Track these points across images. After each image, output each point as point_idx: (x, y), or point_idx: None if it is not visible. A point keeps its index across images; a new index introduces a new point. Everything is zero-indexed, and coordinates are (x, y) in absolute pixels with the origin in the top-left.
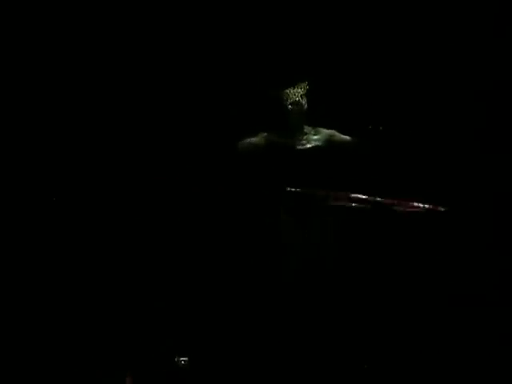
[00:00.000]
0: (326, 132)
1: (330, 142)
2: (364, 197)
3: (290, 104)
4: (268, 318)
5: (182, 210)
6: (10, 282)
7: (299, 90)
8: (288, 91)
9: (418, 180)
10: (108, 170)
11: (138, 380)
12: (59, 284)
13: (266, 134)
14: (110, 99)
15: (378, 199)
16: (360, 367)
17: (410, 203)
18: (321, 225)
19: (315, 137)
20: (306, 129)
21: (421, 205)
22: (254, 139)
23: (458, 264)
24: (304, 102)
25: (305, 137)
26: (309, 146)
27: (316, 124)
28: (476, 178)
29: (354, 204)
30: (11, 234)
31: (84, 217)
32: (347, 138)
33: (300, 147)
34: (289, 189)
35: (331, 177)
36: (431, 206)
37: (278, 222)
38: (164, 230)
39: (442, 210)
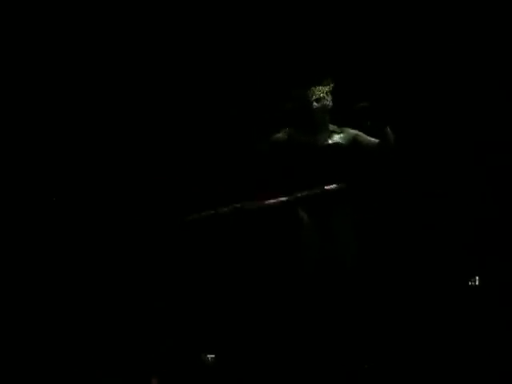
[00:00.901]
0: (351, 132)
1: (353, 142)
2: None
3: (315, 101)
4: (284, 316)
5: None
6: (10, 282)
7: (324, 87)
8: (313, 89)
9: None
10: (108, 170)
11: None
12: (60, 284)
13: (288, 129)
14: (111, 100)
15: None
16: (370, 366)
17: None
18: (340, 223)
19: (339, 135)
20: (331, 127)
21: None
22: (275, 135)
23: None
24: (329, 99)
25: (329, 135)
26: (330, 142)
27: (342, 123)
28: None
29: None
30: (11, 234)
31: (84, 217)
32: (372, 139)
33: (323, 144)
34: (308, 186)
35: (351, 175)
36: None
37: (296, 220)
38: (177, 229)
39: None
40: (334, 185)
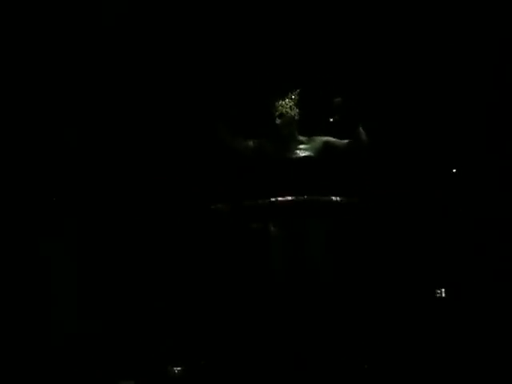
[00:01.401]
0: (319, 139)
1: (324, 149)
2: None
3: (279, 116)
4: (262, 325)
5: (172, 214)
6: (11, 282)
7: (289, 101)
8: (276, 104)
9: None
10: (108, 171)
11: None
12: (60, 284)
13: (255, 140)
14: (109, 100)
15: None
16: (360, 367)
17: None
18: (311, 235)
19: (307, 146)
20: (301, 138)
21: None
22: (243, 142)
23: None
24: (295, 112)
25: (297, 146)
26: (301, 155)
27: (312, 132)
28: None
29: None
30: (11, 234)
31: (84, 217)
32: (343, 141)
33: (291, 156)
34: (277, 199)
35: (323, 185)
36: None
37: (266, 233)
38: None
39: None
40: (305, 196)
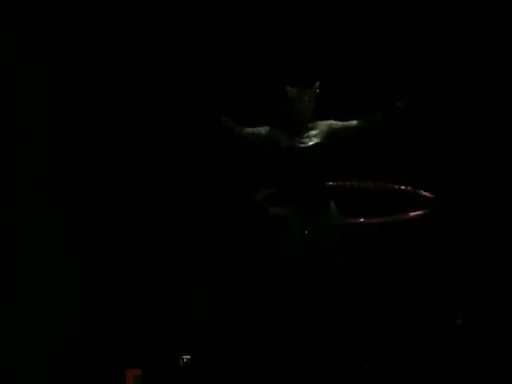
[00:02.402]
0: (324, 124)
1: (330, 133)
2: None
3: (297, 103)
4: (270, 319)
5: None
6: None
7: (307, 89)
8: (295, 90)
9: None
10: (108, 171)
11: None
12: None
13: (267, 127)
14: (111, 100)
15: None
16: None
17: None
18: (324, 226)
19: (314, 132)
20: (310, 125)
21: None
22: (255, 129)
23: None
24: (312, 100)
25: (306, 134)
26: (310, 143)
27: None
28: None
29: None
30: (11, 234)
31: (84, 217)
32: (349, 122)
33: (300, 145)
34: (291, 186)
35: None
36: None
37: (280, 221)
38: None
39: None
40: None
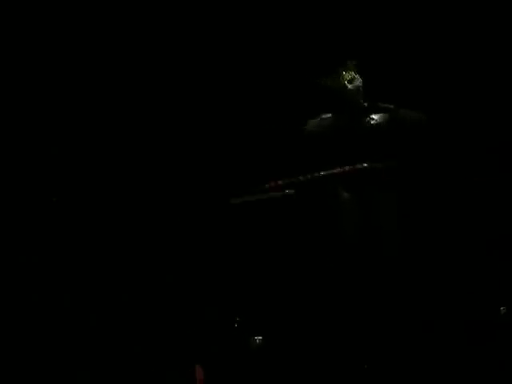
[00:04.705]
0: (389, 107)
1: (392, 118)
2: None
3: (348, 83)
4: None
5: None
6: (10, 282)
7: (351, 69)
8: (343, 73)
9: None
10: (108, 171)
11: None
12: (60, 284)
13: (328, 116)
14: (111, 100)
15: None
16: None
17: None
18: (382, 204)
19: (377, 116)
20: (367, 104)
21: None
22: (318, 120)
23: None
24: (359, 78)
25: (367, 115)
26: (372, 122)
27: (373, 98)
28: None
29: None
30: (11, 235)
31: (84, 217)
32: (411, 112)
33: (363, 125)
34: (348, 167)
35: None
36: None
37: (338, 201)
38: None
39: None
40: (377, 164)
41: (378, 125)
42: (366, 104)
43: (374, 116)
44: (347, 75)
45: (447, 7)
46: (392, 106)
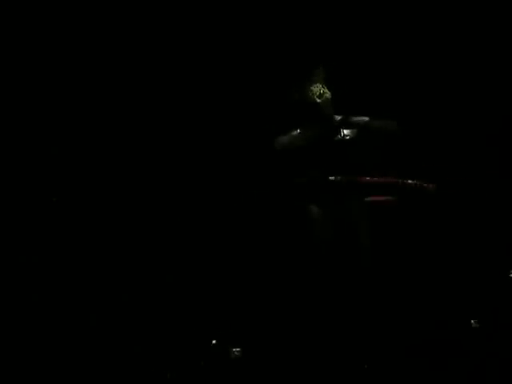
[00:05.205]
0: (358, 120)
1: (360, 130)
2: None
3: (317, 97)
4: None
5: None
6: (10, 283)
7: (319, 82)
8: (312, 86)
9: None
10: (108, 171)
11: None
12: (61, 283)
13: (299, 130)
14: (111, 100)
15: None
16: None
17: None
18: (352, 214)
19: (349, 131)
20: (337, 118)
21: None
22: (289, 136)
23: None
24: (327, 91)
25: (337, 127)
26: (347, 137)
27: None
28: None
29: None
30: (11, 234)
31: (84, 217)
32: (386, 122)
33: (334, 137)
34: (321, 179)
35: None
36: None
37: (308, 213)
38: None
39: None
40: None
41: (350, 140)
42: (338, 117)
43: (346, 131)
44: (316, 89)
45: (416, 13)
46: (367, 119)
